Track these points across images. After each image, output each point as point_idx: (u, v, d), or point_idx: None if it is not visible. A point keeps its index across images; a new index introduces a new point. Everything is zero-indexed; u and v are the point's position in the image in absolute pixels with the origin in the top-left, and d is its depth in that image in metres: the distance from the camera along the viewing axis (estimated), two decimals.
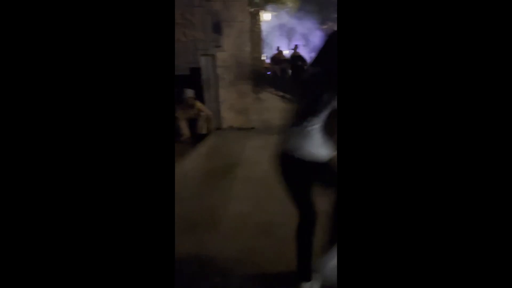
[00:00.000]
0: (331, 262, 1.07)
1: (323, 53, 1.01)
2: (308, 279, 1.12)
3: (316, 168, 1.02)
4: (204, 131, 3.21)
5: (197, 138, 3.17)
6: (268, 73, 7.66)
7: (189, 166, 2.52)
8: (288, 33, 14.72)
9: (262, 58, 8.26)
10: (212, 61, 3.46)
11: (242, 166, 2.48)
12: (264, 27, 8.69)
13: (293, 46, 7.60)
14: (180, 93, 3.12)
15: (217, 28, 3.31)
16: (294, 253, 1.13)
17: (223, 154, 2.79)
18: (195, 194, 2.01)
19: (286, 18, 12.70)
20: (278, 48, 7.96)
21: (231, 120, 3.70)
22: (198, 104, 3.19)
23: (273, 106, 5.29)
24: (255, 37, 6.68)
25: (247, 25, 3.45)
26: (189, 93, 3.20)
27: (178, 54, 3.35)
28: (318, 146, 1.00)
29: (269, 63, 7.85)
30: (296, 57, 7.20)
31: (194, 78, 3.50)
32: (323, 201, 1.09)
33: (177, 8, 3.20)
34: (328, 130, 0.98)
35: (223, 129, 3.66)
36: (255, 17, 6.49)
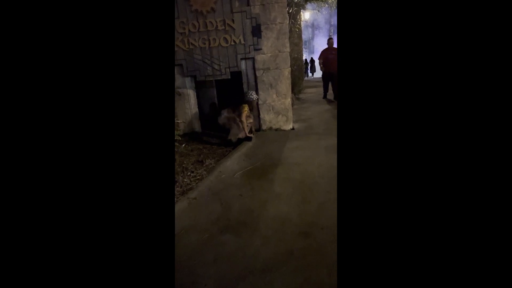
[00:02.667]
0: None
1: None
2: None
3: None
4: (250, 134, 3.31)
5: (238, 140, 3.27)
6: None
7: (230, 167, 2.61)
8: (329, 30, 14.25)
9: (303, 58, 8.14)
10: (252, 64, 3.53)
11: (282, 167, 2.48)
12: (304, 26, 8.57)
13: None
14: (247, 94, 3.34)
15: (256, 32, 3.37)
16: (334, 257, 1.10)
17: (263, 155, 2.82)
18: (236, 194, 2.07)
19: (326, 15, 12.33)
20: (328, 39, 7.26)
21: (270, 122, 3.73)
22: (247, 108, 3.30)
23: (313, 107, 5.17)
24: (295, 37, 6.61)
25: (286, 26, 3.44)
26: (255, 95, 3.39)
27: (219, 59, 3.50)
28: None
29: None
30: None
31: (235, 82, 3.61)
32: None
33: (218, 16, 3.34)
34: None
35: (262, 131, 3.70)
36: (295, 17, 6.43)
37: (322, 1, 8.04)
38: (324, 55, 5.64)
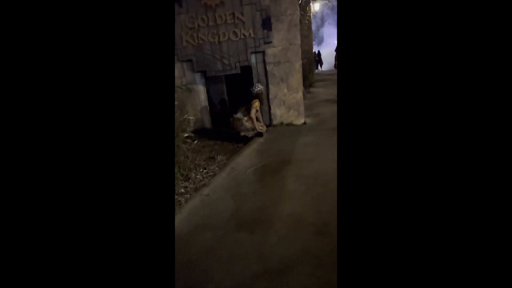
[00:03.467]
0: None
1: None
2: None
3: None
4: (261, 130, 3.26)
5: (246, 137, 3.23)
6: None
7: (242, 163, 2.58)
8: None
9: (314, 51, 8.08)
10: (262, 58, 3.47)
11: (295, 163, 2.44)
12: (312, 16, 8.39)
13: None
14: (255, 88, 3.24)
15: (267, 24, 3.29)
16: None
17: (275, 151, 2.78)
18: (249, 191, 2.05)
19: (336, 4, 12.03)
20: None
21: (282, 117, 3.67)
22: (257, 103, 3.24)
23: (324, 101, 5.07)
24: (305, 30, 6.47)
25: (297, 18, 3.34)
26: (260, 86, 3.30)
27: (229, 54, 3.45)
28: None
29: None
30: None
31: (245, 76, 3.56)
32: None
33: (228, 9, 3.28)
34: None
35: (274, 126, 3.65)
36: (304, 9, 6.27)
37: None
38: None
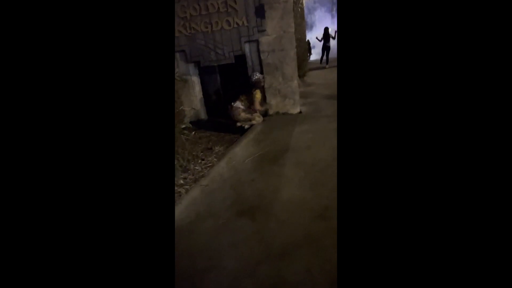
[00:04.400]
0: None
1: None
2: None
3: None
4: (259, 120, 3.26)
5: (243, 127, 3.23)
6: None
7: (239, 153, 2.59)
8: (331, 9, 13.71)
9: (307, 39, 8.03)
10: (256, 46, 3.43)
11: (292, 151, 2.46)
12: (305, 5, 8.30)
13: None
14: (252, 76, 3.28)
15: (260, 12, 3.24)
16: None
17: (272, 140, 2.79)
18: (248, 179, 2.07)
19: None
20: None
21: (277, 106, 3.67)
22: (259, 94, 3.23)
23: (320, 89, 5.07)
24: (297, 18, 6.39)
25: (291, 5, 3.30)
26: (259, 74, 3.33)
27: (223, 43, 3.40)
28: None
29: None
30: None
31: (240, 66, 3.52)
32: None
33: None
34: None
35: (270, 115, 3.65)
36: None
37: None
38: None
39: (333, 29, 8.44)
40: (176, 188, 2.03)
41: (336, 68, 7.75)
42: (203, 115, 3.87)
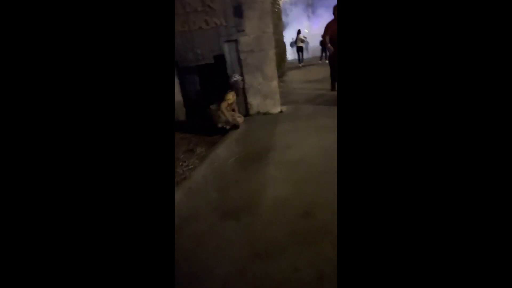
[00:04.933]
0: None
1: None
2: None
3: None
4: (237, 122, 3.22)
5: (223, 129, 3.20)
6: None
7: (221, 154, 2.56)
8: (306, 10, 13.99)
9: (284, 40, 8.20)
10: (235, 46, 3.41)
11: (275, 150, 2.47)
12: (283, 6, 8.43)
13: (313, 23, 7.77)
14: (231, 77, 3.20)
15: (238, 12, 3.23)
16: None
17: (254, 141, 2.79)
18: (231, 181, 2.05)
19: None
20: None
21: (258, 106, 3.67)
22: (230, 96, 3.17)
23: (299, 89, 5.15)
24: (275, 18, 6.45)
25: (268, 6, 3.32)
26: (238, 76, 3.26)
27: (201, 43, 3.35)
28: None
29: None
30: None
31: (219, 66, 3.49)
32: None
33: None
34: None
35: (251, 115, 3.65)
36: None
37: None
38: (331, 28, 3.98)
39: (305, 31, 8.81)
40: None
41: (311, 67, 7.96)
42: (182, 117, 3.79)
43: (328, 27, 4.08)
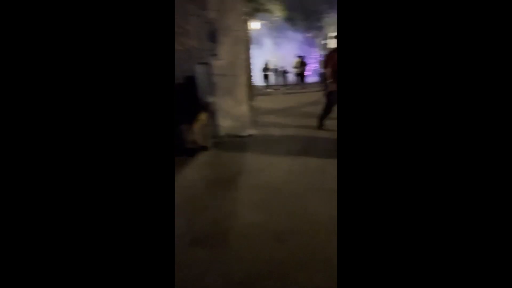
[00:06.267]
0: None
1: None
2: None
3: None
4: (206, 143, 3.16)
5: (194, 149, 3.11)
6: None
7: (190, 177, 2.46)
8: (275, 41, 14.92)
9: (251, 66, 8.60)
10: (207, 69, 3.44)
11: (245, 174, 2.45)
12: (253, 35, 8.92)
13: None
14: (203, 99, 3.14)
15: (212, 37, 3.30)
16: (312, 260, 1.11)
17: (224, 163, 2.75)
18: (200, 206, 1.96)
19: (274, 27, 12.93)
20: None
21: (228, 128, 3.67)
22: (203, 116, 3.13)
23: (268, 113, 5.30)
24: (247, 46, 6.72)
25: (242, 34, 3.46)
26: (209, 98, 3.21)
27: (174, 64, 3.31)
28: None
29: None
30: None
31: (190, 87, 3.46)
32: None
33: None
34: None
35: (220, 137, 3.61)
36: (244, 25, 6.54)
37: (270, 13, 8.44)
38: (332, 60, 3.42)
39: (273, 62, 9.62)
40: None
41: (278, 95, 8.34)
42: None
43: (328, 59, 3.53)
